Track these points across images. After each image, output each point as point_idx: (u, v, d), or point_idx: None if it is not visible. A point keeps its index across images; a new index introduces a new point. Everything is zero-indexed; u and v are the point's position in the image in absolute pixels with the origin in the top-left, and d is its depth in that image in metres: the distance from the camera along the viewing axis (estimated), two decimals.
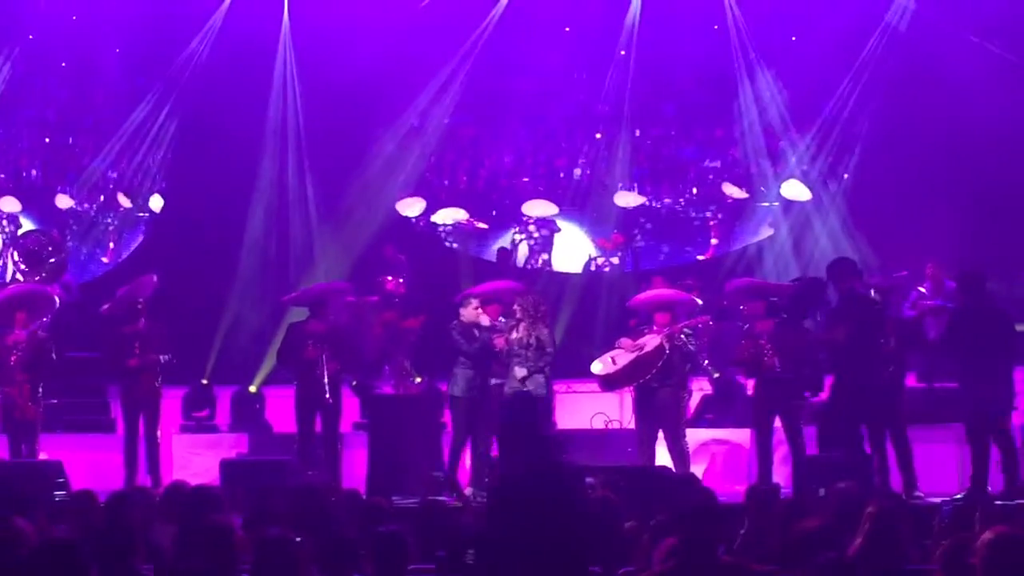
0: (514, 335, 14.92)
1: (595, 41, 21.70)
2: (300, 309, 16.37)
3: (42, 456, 15.57)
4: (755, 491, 9.76)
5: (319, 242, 20.81)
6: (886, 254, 18.70)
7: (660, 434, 14.73)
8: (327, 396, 15.23)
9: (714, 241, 21.92)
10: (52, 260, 18.76)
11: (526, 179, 22.53)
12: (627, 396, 16.31)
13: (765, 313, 14.66)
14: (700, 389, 16.99)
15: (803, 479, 13.44)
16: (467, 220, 21.87)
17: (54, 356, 15.87)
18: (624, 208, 21.76)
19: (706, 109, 22.30)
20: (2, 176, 22.27)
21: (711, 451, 16.20)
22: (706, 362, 16.88)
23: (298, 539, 7.57)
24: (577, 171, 22.44)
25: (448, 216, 21.91)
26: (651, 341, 14.71)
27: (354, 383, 17.36)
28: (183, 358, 16.36)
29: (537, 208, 21.94)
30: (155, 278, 17.39)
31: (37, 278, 18.41)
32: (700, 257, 21.84)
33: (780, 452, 14.71)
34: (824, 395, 14.35)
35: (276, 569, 7.19)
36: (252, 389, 18.51)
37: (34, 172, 22.64)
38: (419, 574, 8.13)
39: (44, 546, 7.06)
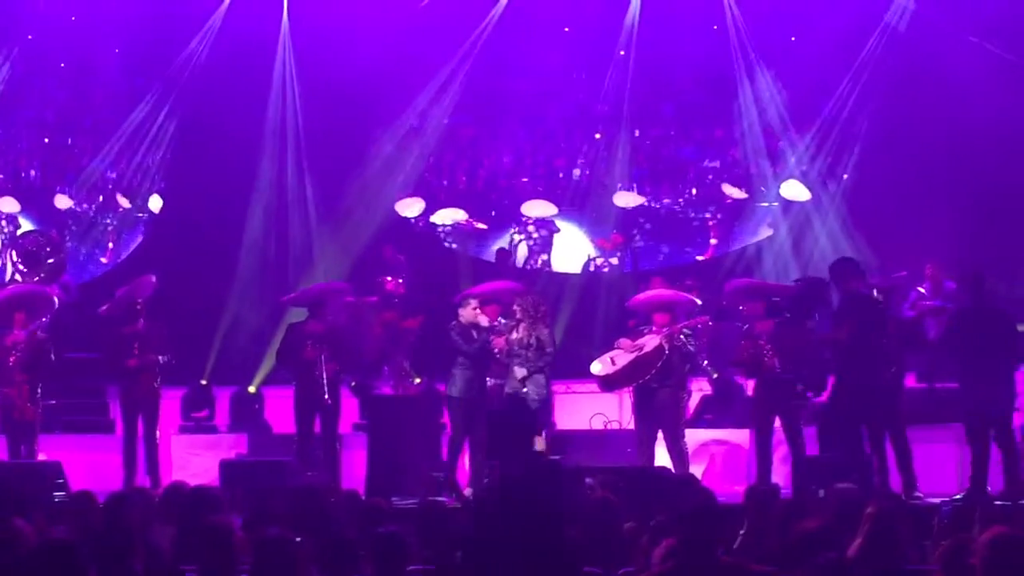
0: (514, 335, 14.94)
1: (594, 41, 21.70)
2: (299, 309, 16.38)
3: (41, 457, 15.58)
4: (754, 491, 9.75)
5: (318, 242, 20.80)
6: (885, 254, 18.69)
7: (659, 435, 14.72)
8: (326, 397, 15.23)
9: (713, 241, 21.91)
10: (50, 260, 18.77)
11: (525, 179, 22.52)
12: (626, 397, 16.30)
13: (766, 313, 14.66)
14: (699, 389, 17.00)
15: (803, 479, 13.44)
16: (466, 220, 21.86)
17: (53, 357, 15.87)
18: (623, 208, 21.75)
19: (705, 109, 22.30)
20: (1, 176, 22.26)
21: (710, 451, 16.20)
22: (705, 362, 16.89)
23: (297, 540, 7.57)
24: (576, 171, 22.43)
25: (447, 216, 21.90)
26: (650, 341, 14.71)
27: (353, 384, 17.36)
28: (182, 359, 16.36)
29: (536, 208, 21.94)
30: (154, 279, 17.40)
31: (36, 279, 18.42)
32: (699, 257, 21.83)
33: (779, 452, 14.71)
34: (825, 395, 14.34)
35: (275, 569, 7.18)
36: (251, 389, 18.51)
37: (33, 172, 22.63)
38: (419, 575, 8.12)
39: (43, 547, 7.06)
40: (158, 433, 15.89)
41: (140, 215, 22.13)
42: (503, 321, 15.52)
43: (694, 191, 22.23)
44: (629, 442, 15.30)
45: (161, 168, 21.76)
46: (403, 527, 8.27)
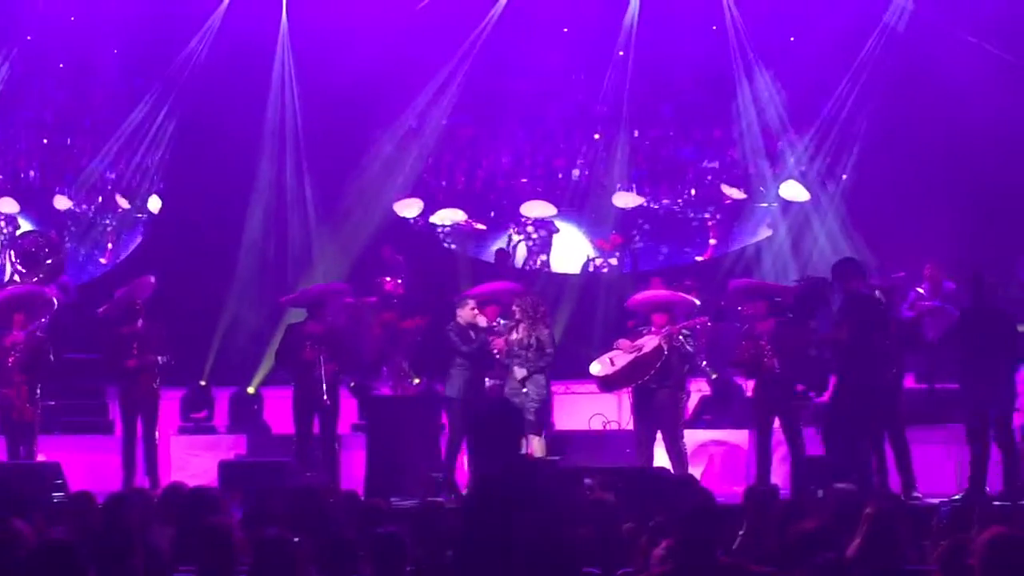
0: (514, 336, 14.95)
1: (593, 42, 21.71)
2: (298, 310, 16.38)
3: (40, 457, 15.58)
4: (753, 492, 9.75)
5: (317, 243, 20.80)
6: (884, 255, 18.70)
7: (658, 435, 14.73)
8: (325, 397, 15.22)
9: (712, 242, 21.91)
10: (49, 261, 18.76)
11: (524, 180, 22.53)
12: (625, 397, 16.30)
13: (767, 313, 14.65)
14: (698, 390, 17.00)
15: (802, 480, 13.44)
16: (465, 221, 21.87)
17: (52, 357, 15.87)
18: (622, 209, 21.76)
19: (704, 110, 22.31)
20: (0, 177, 22.26)
21: (709, 452, 16.20)
22: (704, 363, 16.90)
23: (296, 540, 7.57)
24: (575, 172, 22.43)
25: (446, 217, 21.91)
26: (649, 342, 14.72)
27: (352, 384, 17.36)
28: (181, 359, 16.36)
29: (535, 209, 21.94)
30: (153, 279, 17.42)
31: (34, 279, 18.41)
32: (698, 258, 21.83)
33: (779, 453, 14.71)
34: (827, 396, 14.34)
35: (274, 570, 7.18)
36: (250, 390, 18.50)
37: (32, 173, 22.63)
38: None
39: (42, 547, 7.05)
40: (157, 434, 15.88)
41: (139, 216, 22.13)
42: (502, 322, 15.53)
43: (693, 191, 22.23)
44: (628, 443, 15.29)
45: (160, 169, 21.76)
46: (402, 528, 8.27)
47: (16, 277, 18.95)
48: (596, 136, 22.33)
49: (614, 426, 17.28)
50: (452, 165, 22.61)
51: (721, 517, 7.54)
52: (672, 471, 14.11)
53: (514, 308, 15.13)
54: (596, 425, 17.29)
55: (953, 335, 14.01)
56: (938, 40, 19.62)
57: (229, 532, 7.66)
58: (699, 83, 22.20)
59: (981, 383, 13.44)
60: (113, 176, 22.10)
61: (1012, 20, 19.70)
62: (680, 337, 14.75)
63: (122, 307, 16.37)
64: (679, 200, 22.28)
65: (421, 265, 20.26)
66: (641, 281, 18.59)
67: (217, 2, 21.17)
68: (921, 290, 17.26)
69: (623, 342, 14.93)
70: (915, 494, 13.53)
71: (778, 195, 21.14)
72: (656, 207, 22.24)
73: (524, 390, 14.83)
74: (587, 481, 11.76)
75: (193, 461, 16.66)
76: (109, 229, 22.23)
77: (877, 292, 14.54)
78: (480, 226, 22.00)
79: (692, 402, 16.54)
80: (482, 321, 15.32)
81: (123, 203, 22.01)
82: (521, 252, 21.81)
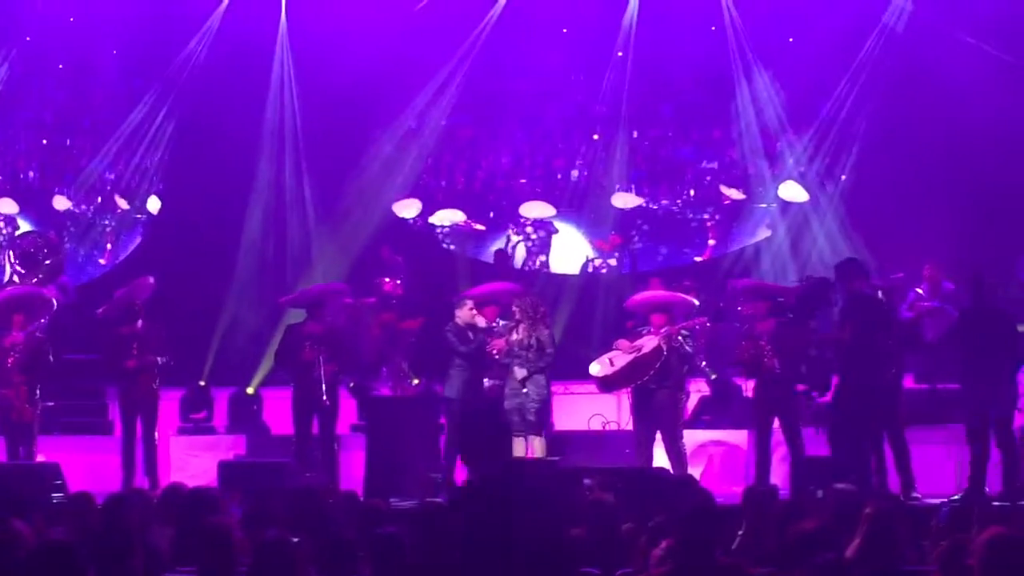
0: (514, 336, 14.96)
1: (592, 42, 21.70)
2: (298, 310, 16.38)
3: (39, 458, 15.58)
4: (752, 492, 9.75)
5: (317, 243, 20.80)
6: (883, 255, 18.69)
7: (658, 435, 14.73)
8: (324, 398, 15.23)
9: (712, 242, 21.90)
10: (48, 262, 18.75)
11: (523, 180, 22.51)
12: (625, 397, 16.31)
13: (769, 313, 14.65)
14: (697, 390, 17.01)
15: (801, 480, 13.44)
16: (464, 222, 21.87)
17: (51, 358, 15.87)
18: (621, 209, 21.75)
19: (703, 110, 22.29)
20: (0, 177, 22.30)
21: (709, 452, 16.20)
22: (703, 363, 16.91)
23: (296, 540, 7.57)
24: (574, 172, 22.42)
25: (445, 218, 21.91)
26: (649, 342, 14.72)
27: (352, 385, 17.37)
28: (181, 360, 16.36)
29: (534, 210, 21.94)
30: (152, 280, 17.41)
31: (34, 280, 18.41)
32: (697, 258, 21.83)
33: (778, 453, 14.71)
34: (829, 396, 14.34)
35: (274, 570, 7.18)
36: (250, 391, 18.50)
37: (31, 174, 22.62)
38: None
39: (41, 548, 7.06)
40: (156, 434, 15.89)
41: (138, 216, 22.12)
42: (501, 322, 15.53)
43: (692, 192, 22.22)
44: (627, 443, 15.30)
45: (159, 169, 21.75)
46: (401, 528, 8.27)
47: (15, 278, 18.94)
48: (595, 136, 22.32)
49: (613, 426, 17.28)
50: (451, 166, 22.61)
51: (720, 517, 7.56)
52: (671, 471, 14.12)
53: (514, 308, 15.13)
54: (595, 425, 17.29)
55: (953, 336, 14.01)
56: (937, 41, 19.62)
57: (229, 532, 7.66)
58: (698, 83, 22.19)
59: (982, 383, 13.45)
60: (112, 177, 22.08)
61: (1011, 20, 19.69)
62: (679, 338, 14.75)
63: (121, 308, 16.37)
64: (678, 201, 22.27)
65: (420, 266, 20.25)
66: (640, 282, 18.59)
67: (216, 3, 21.16)
68: (920, 290, 17.26)
69: (622, 342, 14.94)
70: (914, 494, 13.54)
71: (777, 196, 21.14)
72: (655, 208, 22.23)
73: (524, 390, 14.84)
74: (586, 481, 11.77)
75: (192, 462, 16.66)
76: (108, 230, 22.22)
77: (880, 292, 14.56)
78: (479, 227, 21.99)
79: (691, 402, 16.54)
80: (481, 321, 15.34)
81: (122, 204, 22.00)
82: (520, 253, 21.80)
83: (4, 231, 21.49)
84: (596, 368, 14.94)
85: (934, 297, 17.14)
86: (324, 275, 19.63)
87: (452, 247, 21.89)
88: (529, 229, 21.96)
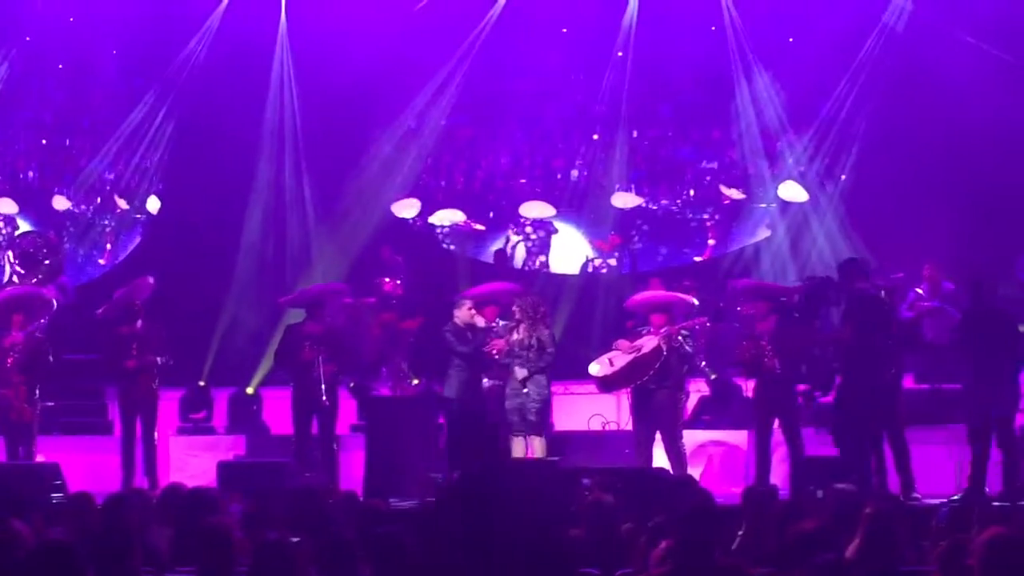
0: (514, 336, 14.96)
1: (592, 42, 21.70)
2: (297, 310, 16.38)
3: (39, 458, 15.58)
4: (752, 492, 9.75)
5: (316, 244, 20.80)
6: (883, 255, 18.67)
7: (657, 436, 14.73)
8: (324, 398, 15.22)
9: (711, 242, 21.90)
10: (47, 262, 18.75)
11: (523, 180, 22.51)
12: (624, 398, 16.30)
13: (774, 313, 14.64)
14: (697, 391, 17.00)
15: (801, 480, 13.44)
16: (464, 222, 21.87)
17: (51, 358, 15.87)
18: (621, 209, 21.75)
19: (703, 110, 22.29)
20: None
21: (708, 452, 16.20)
22: (703, 363, 16.90)
23: (295, 540, 7.57)
24: (574, 172, 22.42)
25: (445, 218, 21.91)
26: (648, 343, 14.72)
27: (351, 385, 17.37)
28: (180, 360, 16.35)
29: (534, 210, 21.94)
30: (151, 280, 17.40)
31: (33, 280, 18.41)
32: (697, 259, 21.83)
33: (778, 453, 14.71)
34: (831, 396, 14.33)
35: (274, 571, 7.18)
36: (249, 391, 18.50)
37: (31, 174, 22.62)
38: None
39: (41, 548, 7.05)
40: (156, 434, 15.89)
41: (138, 216, 22.12)
42: (501, 323, 15.53)
43: (692, 192, 22.22)
44: (627, 443, 15.30)
45: (159, 169, 21.75)
46: (401, 528, 8.27)
47: (15, 278, 18.94)
48: (595, 136, 22.32)
49: (613, 426, 17.28)
50: (451, 166, 22.61)
51: (720, 517, 7.56)
52: (671, 471, 14.11)
53: (514, 309, 15.14)
54: (595, 425, 17.29)
55: (956, 337, 14.00)
56: (937, 40, 19.62)
57: (228, 533, 7.66)
58: (698, 83, 22.19)
59: (983, 384, 13.44)
60: (112, 177, 22.08)
61: (1011, 20, 19.69)
62: (679, 338, 14.75)
63: (120, 307, 16.37)
64: (678, 201, 22.27)
65: (420, 266, 20.25)
66: (640, 282, 18.60)
67: (216, 3, 21.16)
68: (920, 291, 17.27)
69: (622, 343, 14.94)
70: (914, 494, 13.54)
71: (777, 196, 21.14)
72: (655, 208, 22.23)
73: (525, 390, 14.85)
74: (586, 481, 11.77)
75: (192, 462, 16.66)
76: (108, 230, 22.22)
77: (883, 292, 14.56)
78: (479, 227, 21.99)
79: (691, 402, 16.53)
80: (480, 321, 15.34)
81: (122, 204, 22.00)
82: (520, 253, 21.81)
83: (4, 231, 21.49)
84: (596, 368, 14.94)
85: (934, 297, 17.14)
86: (324, 275, 19.63)
87: (452, 247, 21.90)
88: (529, 229, 21.96)
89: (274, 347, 16.22)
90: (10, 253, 19.43)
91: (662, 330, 14.75)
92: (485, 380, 15.34)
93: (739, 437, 16.10)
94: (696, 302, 16.02)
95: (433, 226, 22.02)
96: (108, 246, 22.17)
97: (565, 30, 21.81)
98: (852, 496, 9.40)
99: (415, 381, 17.72)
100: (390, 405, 16.81)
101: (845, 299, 14.10)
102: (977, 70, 19.07)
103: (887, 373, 13.78)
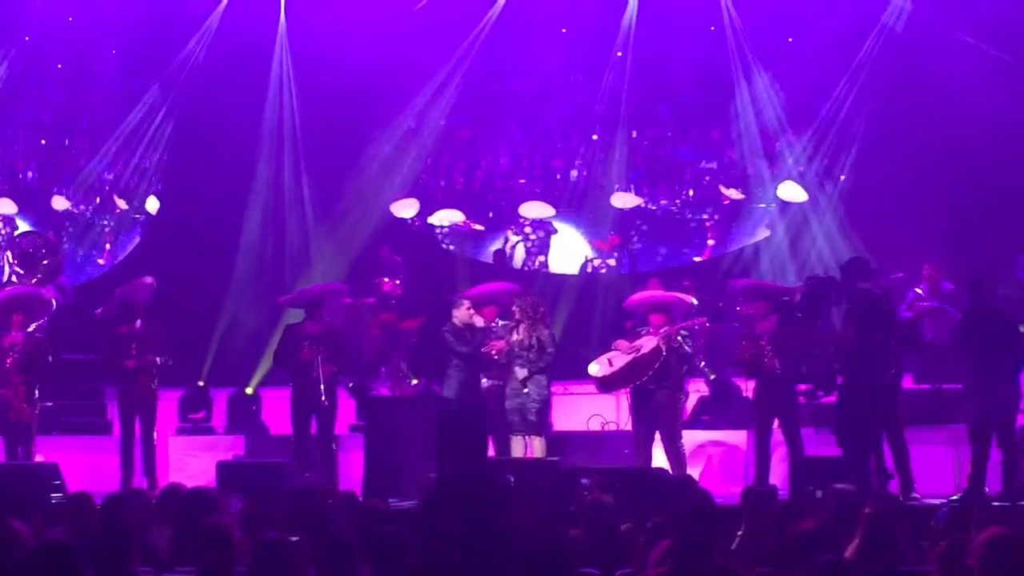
0: (514, 337, 14.96)
1: (592, 42, 21.70)
2: (296, 311, 16.37)
3: (38, 458, 15.57)
4: (751, 493, 9.75)
5: (315, 244, 20.80)
6: (882, 255, 18.65)
7: (657, 436, 14.73)
8: (323, 398, 15.22)
9: (711, 243, 21.90)
10: (46, 262, 18.74)
11: (522, 181, 22.51)
12: (623, 398, 16.29)
13: (771, 313, 14.63)
14: (696, 391, 17.00)
15: (800, 480, 13.44)
16: (463, 222, 21.87)
17: (50, 358, 15.86)
18: (620, 209, 21.75)
19: (703, 110, 22.29)
20: None
21: (708, 453, 16.20)
22: (702, 364, 16.90)
23: (295, 540, 7.57)
24: (573, 172, 22.42)
25: (444, 218, 21.91)
26: (648, 343, 14.72)
27: (351, 385, 17.36)
28: (179, 360, 16.34)
29: (533, 210, 21.94)
30: (150, 280, 17.39)
31: (32, 280, 18.40)
32: (697, 259, 21.83)
33: (778, 453, 14.71)
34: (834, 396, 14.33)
35: (273, 571, 7.18)
36: (248, 391, 18.49)
37: (30, 174, 22.61)
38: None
39: (40, 548, 7.05)
40: (155, 434, 15.88)
41: (137, 216, 22.11)
42: (500, 323, 15.53)
43: (691, 192, 22.22)
44: (626, 443, 15.30)
45: (158, 169, 21.75)
46: (400, 528, 8.27)
47: (14, 278, 18.94)
48: (594, 137, 22.32)
49: (612, 427, 17.28)
50: (450, 166, 22.61)
51: (719, 518, 7.55)
52: (670, 472, 14.11)
53: (514, 309, 15.15)
54: (594, 426, 17.28)
55: (957, 338, 14.00)
56: (936, 41, 19.62)
57: (227, 533, 7.66)
58: (697, 84, 22.19)
59: (984, 384, 13.45)
60: (111, 177, 22.08)
61: (1010, 20, 19.69)
62: (678, 338, 14.75)
63: (119, 307, 16.37)
64: (677, 201, 22.27)
65: (420, 266, 20.26)
66: (639, 282, 18.59)
67: (215, 3, 21.16)
68: (919, 291, 17.26)
69: (621, 343, 14.94)
70: (913, 494, 13.54)
71: (776, 196, 21.14)
72: (654, 208, 22.23)
73: (526, 390, 14.86)
74: (585, 481, 11.78)
75: (191, 462, 16.66)
76: (107, 230, 22.21)
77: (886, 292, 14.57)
78: (478, 227, 21.99)
79: (690, 403, 16.52)
80: (478, 321, 15.34)
81: (121, 204, 22.00)
82: (520, 253, 21.81)
83: (3, 231, 21.48)
84: (595, 368, 14.94)
85: (933, 297, 17.13)
86: (323, 275, 19.63)
87: (451, 247, 21.90)
88: (528, 229, 21.96)
89: (273, 347, 16.22)
90: (9, 253, 19.43)
91: (661, 330, 14.75)
92: (484, 380, 15.35)
93: (738, 437, 16.10)
94: (695, 302, 16.02)
95: (432, 226, 22.02)
96: (107, 246, 22.17)
97: (564, 30, 21.81)
98: (851, 496, 9.40)
99: (414, 381, 17.72)
100: (389, 405, 16.80)
101: (847, 299, 14.10)
102: (976, 70, 19.08)
103: (886, 373, 13.78)
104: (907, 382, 15.38)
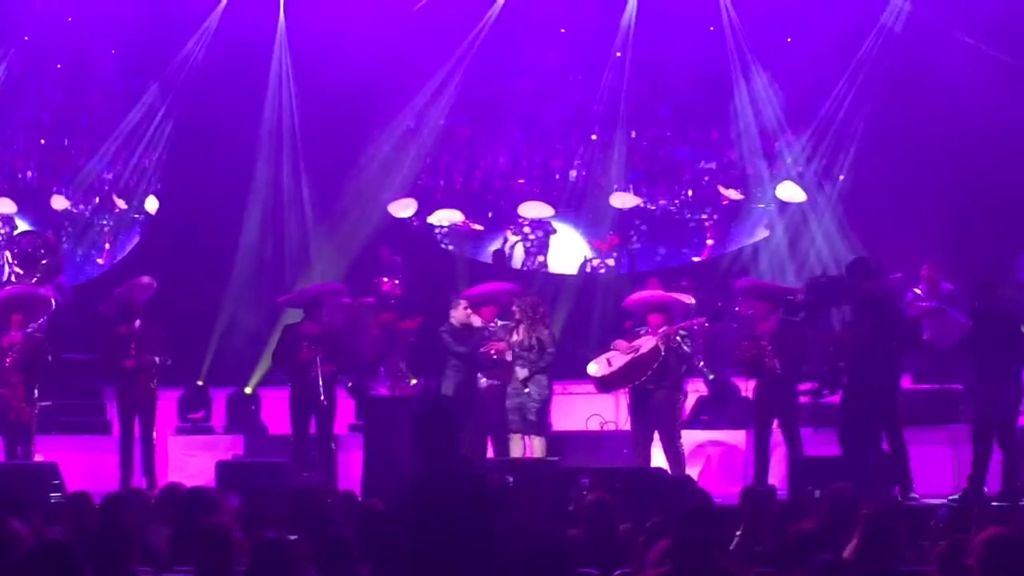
0: (514, 337, 14.97)
1: (591, 42, 21.69)
2: (295, 310, 16.37)
3: (37, 458, 15.57)
4: (750, 492, 9.75)
5: (315, 243, 20.80)
6: (881, 255, 18.63)
7: (656, 436, 14.73)
8: (322, 398, 15.23)
9: (710, 243, 21.90)
10: (45, 262, 18.73)
11: (522, 181, 22.51)
12: (622, 398, 16.29)
13: (772, 312, 14.63)
14: (695, 391, 16.99)
15: (799, 480, 13.44)
16: (463, 222, 21.86)
17: (50, 358, 15.86)
18: (619, 209, 21.75)
19: (702, 110, 22.28)
20: None
21: (706, 453, 16.20)
22: (701, 364, 16.90)
23: (294, 540, 7.58)
24: (573, 172, 22.41)
25: (444, 218, 21.91)
26: (647, 343, 14.72)
27: (350, 385, 17.36)
28: (179, 360, 16.35)
29: (533, 210, 21.93)
30: (149, 280, 17.39)
31: (32, 280, 18.40)
32: (696, 259, 21.83)
33: (777, 453, 14.71)
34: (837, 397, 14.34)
35: (272, 570, 7.18)
36: (247, 391, 18.49)
37: (29, 173, 22.61)
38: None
39: (39, 548, 7.05)
40: (155, 434, 15.88)
41: (136, 216, 22.11)
42: (500, 323, 15.53)
43: (690, 192, 22.21)
44: (625, 443, 15.30)
45: (157, 169, 21.74)
46: (400, 528, 8.26)
47: (13, 278, 18.94)
48: (593, 137, 22.31)
49: (611, 427, 17.27)
50: (449, 166, 22.60)
51: (718, 518, 7.55)
52: (669, 472, 14.11)
53: (514, 309, 15.16)
54: (593, 426, 17.28)
55: (966, 340, 14.00)
56: (935, 41, 19.62)
57: (226, 532, 7.66)
58: (696, 84, 22.18)
59: (986, 384, 13.46)
60: (110, 176, 22.07)
61: (1009, 21, 19.70)
62: (677, 338, 14.75)
63: (118, 306, 16.37)
64: (676, 201, 22.27)
65: (419, 266, 20.26)
66: (638, 282, 18.59)
67: (215, 3, 21.16)
68: (918, 291, 17.25)
69: (620, 343, 14.94)
70: (912, 494, 13.54)
71: (775, 196, 21.14)
72: (653, 208, 22.22)
73: (526, 390, 14.88)
74: (584, 481, 11.78)
75: (190, 461, 16.65)
76: (106, 230, 22.21)
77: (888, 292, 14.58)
78: (477, 227, 21.99)
79: (689, 403, 16.52)
80: (476, 321, 15.35)
81: (120, 204, 21.99)
82: (518, 253, 21.81)
83: (2, 231, 21.48)
84: (594, 368, 14.94)
85: (932, 297, 17.12)
86: (322, 275, 19.63)
87: (450, 247, 21.89)
88: (527, 229, 21.96)
89: (272, 347, 16.22)
90: (8, 253, 19.43)
91: (660, 330, 14.75)
92: (483, 380, 15.36)
93: (737, 437, 16.11)
94: (693, 302, 16.02)
95: (432, 226, 22.02)
96: (106, 246, 22.16)
97: (564, 30, 21.80)
98: (850, 496, 9.40)
99: (413, 381, 17.72)
100: (388, 405, 16.79)
101: (851, 299, 14.10)
102: (975, 70, 19.08)
103: (885, 373, 13.78)
104: (906, 382, 15.38)
